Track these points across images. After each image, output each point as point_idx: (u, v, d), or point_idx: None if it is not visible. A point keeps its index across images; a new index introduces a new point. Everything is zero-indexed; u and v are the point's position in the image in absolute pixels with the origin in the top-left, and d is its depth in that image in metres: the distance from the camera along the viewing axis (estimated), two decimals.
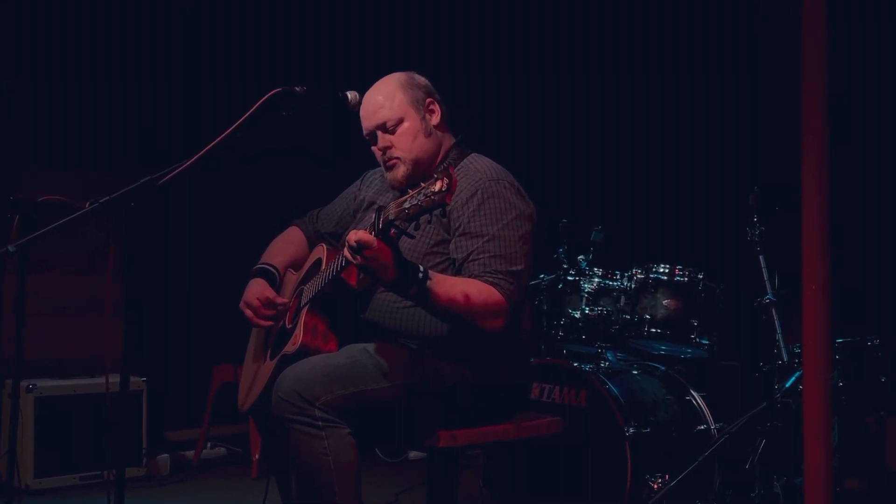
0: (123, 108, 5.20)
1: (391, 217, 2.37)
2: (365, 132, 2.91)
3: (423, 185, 2.33)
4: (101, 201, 2.37)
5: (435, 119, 2.90)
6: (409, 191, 2.36)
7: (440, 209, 2.32)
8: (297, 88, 2.69)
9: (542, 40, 5.59)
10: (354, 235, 2.40)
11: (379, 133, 2.87)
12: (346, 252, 2.45)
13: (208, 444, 5.28)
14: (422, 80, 2.93)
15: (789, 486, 3.66)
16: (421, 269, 2.54)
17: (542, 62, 5.59)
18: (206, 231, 5.52)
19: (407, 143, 2.85)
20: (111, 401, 4.54)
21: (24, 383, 4.45)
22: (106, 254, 5.08)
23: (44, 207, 3.24)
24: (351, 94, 2.85)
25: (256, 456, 4.83)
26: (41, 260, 4.57)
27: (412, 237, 2.57)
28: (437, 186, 2.29)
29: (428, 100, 2.90)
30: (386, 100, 2.85)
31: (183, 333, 5.34)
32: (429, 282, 2.53)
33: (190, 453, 5.16)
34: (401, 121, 2.85)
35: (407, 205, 2.33)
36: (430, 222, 2.61)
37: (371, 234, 2.41)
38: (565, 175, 5.27)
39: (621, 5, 5.32)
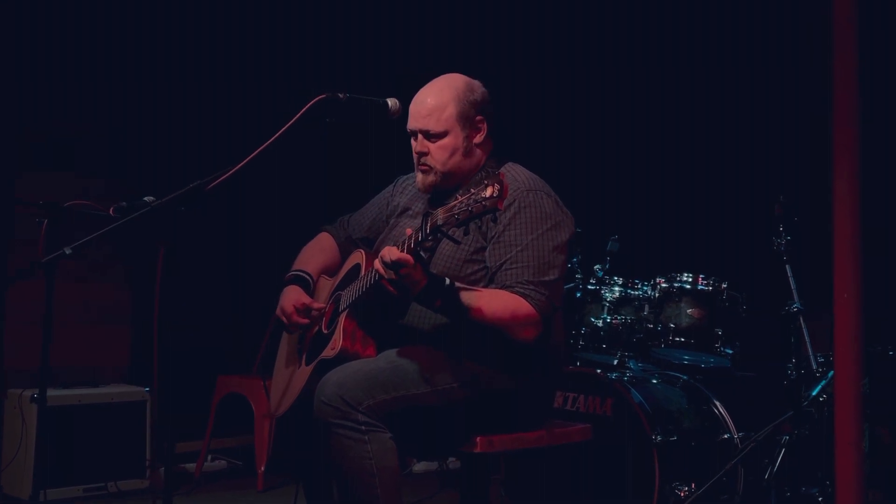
0: (123, 111, 5.16)
1: (439, 222, 2.37)
2: (408, 127, 2.89)
3: (472, 190, 2.33)
4: (153, 205, 2.33)
5: (479, 137, 2.88)
6: (458, 196, 2.37)
7: (491, 214, 2.33)
8: (339, 95, 2.70)
9: (557, 47, 5.58)
10: (389, 254, 2.43)
11: (420, 136, 2.85)
12: (380, 268, 2.48)
13: (209, 457, 5.21)
14: (478, 93, 2.89)
15: (806, 495, 3.68)
16: (446, 281, 2.54)
17: (558, 68, 5.58)
18: (212, 240, 5.48)
19: (442, 158, 2.84)
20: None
21: (27, 392, 4.39)
22: (109, 262, 5.08)
23: (70, 212, 3.23)
24: (391, 102, 2.84)
25: (262, 468, 4.79)
26: None
27: (458, 243, 2.57)
28: (489, 192, 2.30)
29: (478, 117, 2.87)
30: (435, 109, 2.82)
31: (186, 343, 5.28)
32: (455, 294, 2.55)
33: (191, 466, 5.09)
34: (444, 134, 2.82)
35: (456, 210, 2.34)
36: (479, 228, 2.63)
37: (412, 244, 2.44)
38: (581, 184, 5.20)
39: (636, 12, 5.33)
